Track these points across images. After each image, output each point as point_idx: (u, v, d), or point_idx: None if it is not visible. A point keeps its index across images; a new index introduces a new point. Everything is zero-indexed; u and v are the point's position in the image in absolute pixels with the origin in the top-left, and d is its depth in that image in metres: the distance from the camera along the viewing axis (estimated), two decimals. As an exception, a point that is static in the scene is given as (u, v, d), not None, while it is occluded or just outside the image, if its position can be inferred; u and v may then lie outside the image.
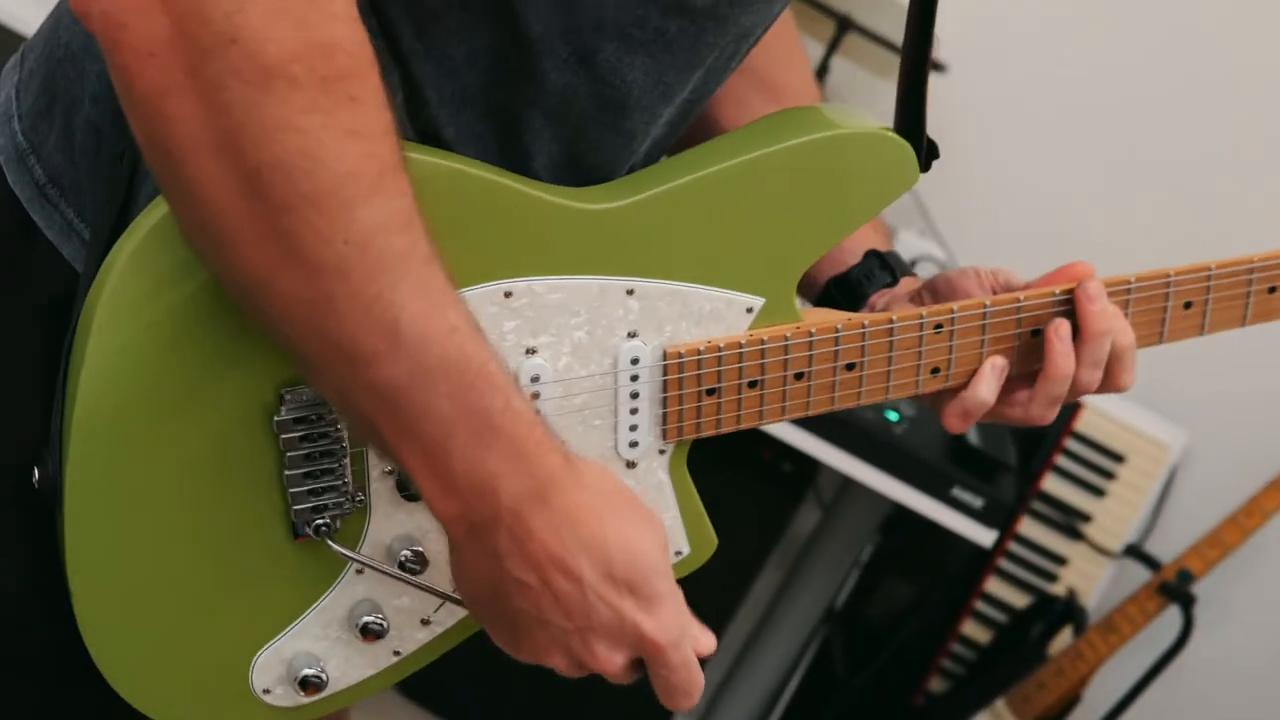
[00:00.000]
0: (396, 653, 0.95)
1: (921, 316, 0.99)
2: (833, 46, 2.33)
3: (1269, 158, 2.62)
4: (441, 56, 0.84)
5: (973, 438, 2.22)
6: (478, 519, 0.80)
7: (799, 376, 0.97)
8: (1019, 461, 2.38)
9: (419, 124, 0.86)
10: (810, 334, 0.96)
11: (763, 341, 0.94)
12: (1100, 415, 2.63)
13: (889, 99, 0.97)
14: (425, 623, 0.95)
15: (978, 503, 2.14)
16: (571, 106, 0.87)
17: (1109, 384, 1.03)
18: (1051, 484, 2.63)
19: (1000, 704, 2.52)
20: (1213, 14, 2.57)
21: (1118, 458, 2.64)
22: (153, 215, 0.81)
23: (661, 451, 0.96)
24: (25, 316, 0.89)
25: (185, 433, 0.83)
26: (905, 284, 1.07)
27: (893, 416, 2.18)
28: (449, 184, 0.84)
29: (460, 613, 0.95)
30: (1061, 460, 2.63)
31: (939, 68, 2.42)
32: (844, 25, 2.33)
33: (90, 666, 0.87)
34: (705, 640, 0.87)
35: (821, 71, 2.33)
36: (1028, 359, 1.02)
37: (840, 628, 2.61)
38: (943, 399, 1.03)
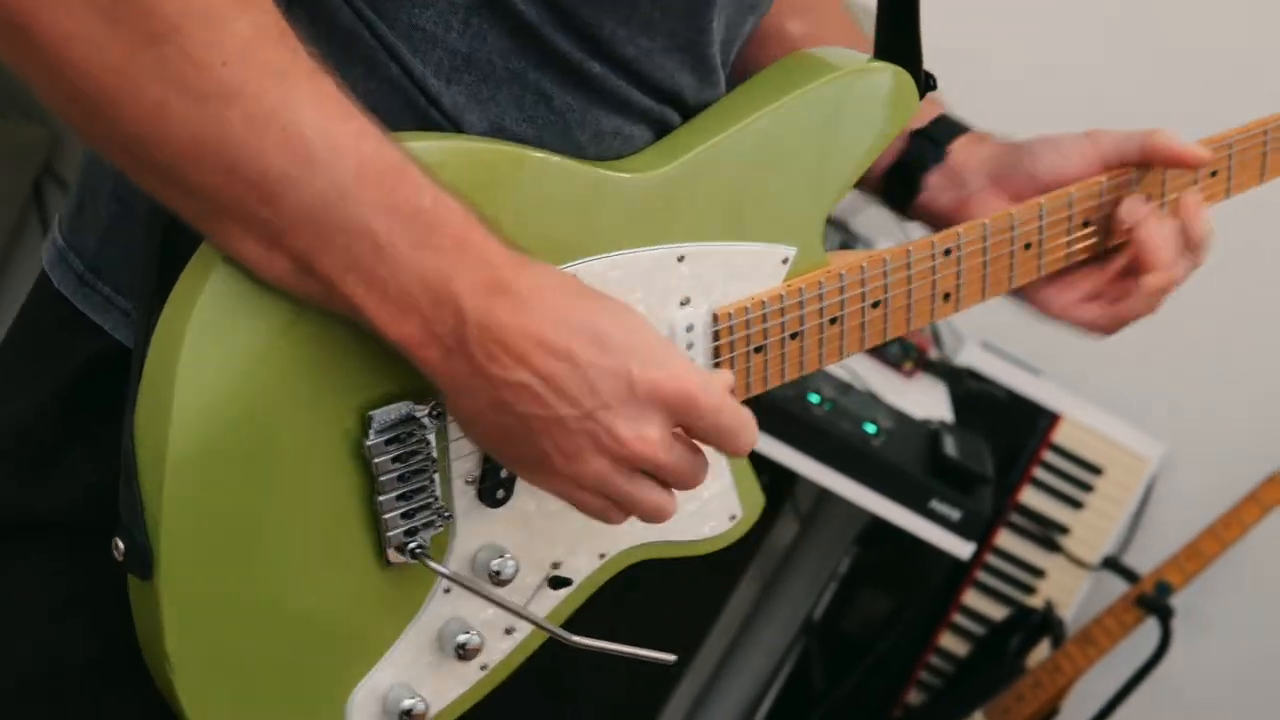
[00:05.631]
0: (484, 667, 0.91)
1: (933, 245, 0.99)
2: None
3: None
4: (408, 28, 0.80)
5: (950, 450, 2.21)
6: (444, 330, 0.74)
7: (833, 321, 0.96)
8: (997, 474, 2.37)
9: (416, 98, 0.81)
10: (841, 276, 0.95)
11: (801, 291, 0.93)
12: (1078, 427, 2.63)
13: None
14: (509, 632, 0.91)
15: (955, 515, 2.13)
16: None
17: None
18: (1029, 496, 2.62)
19: (978, 716, 2.52)
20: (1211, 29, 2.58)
21: (1095, 470, 2.64)
22: (211, 264, 0.76)
23: None
24: (65, 388, 0.85)
25: (274, 478, 0.78)
26: (964, 149, 1.06)
27: (870, 429, 2.17)
28: (505, 170, 0.80)
29: (540, 619, 0.91)
30: (1039, 473, 2.63)
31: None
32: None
33: None
34: (725, 375, 0.82)
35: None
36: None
37: (818, 640, 2.60)
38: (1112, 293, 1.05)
